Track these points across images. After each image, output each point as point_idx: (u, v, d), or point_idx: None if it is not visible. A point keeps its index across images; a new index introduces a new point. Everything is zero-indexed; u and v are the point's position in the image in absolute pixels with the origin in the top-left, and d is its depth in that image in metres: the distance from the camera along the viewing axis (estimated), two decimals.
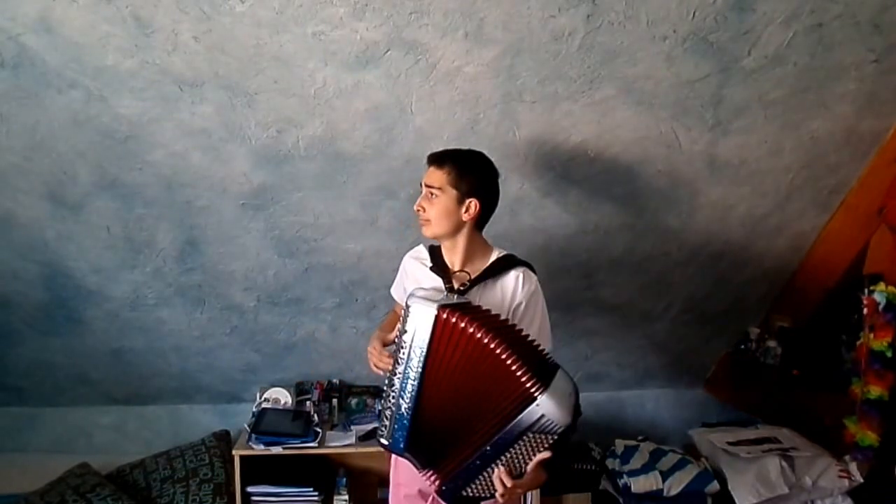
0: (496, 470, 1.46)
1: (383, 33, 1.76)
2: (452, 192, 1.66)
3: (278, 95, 1.90)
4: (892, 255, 2.39)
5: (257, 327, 2.71)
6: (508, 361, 1.42)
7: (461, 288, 1.68)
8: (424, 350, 1.50)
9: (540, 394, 1.40)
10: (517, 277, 1.71)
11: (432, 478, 1.54)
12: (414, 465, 1.59)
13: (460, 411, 1.50)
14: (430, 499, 1.71)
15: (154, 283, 2.47)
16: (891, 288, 2.34)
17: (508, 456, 1.46)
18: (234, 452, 2.66)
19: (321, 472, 2.82)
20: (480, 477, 1.50)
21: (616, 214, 2.40)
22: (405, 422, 1.53)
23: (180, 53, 1.76)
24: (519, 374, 1.41)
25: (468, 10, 1.73)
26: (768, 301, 2.98)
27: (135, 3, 1.65)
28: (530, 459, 1.44)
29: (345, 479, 2.85)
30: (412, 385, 1.51)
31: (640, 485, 2.72)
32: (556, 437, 1.42)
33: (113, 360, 2.76)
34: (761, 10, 1.80)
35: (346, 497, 2.78)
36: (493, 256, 1.75)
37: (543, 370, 1.48)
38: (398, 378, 1.54)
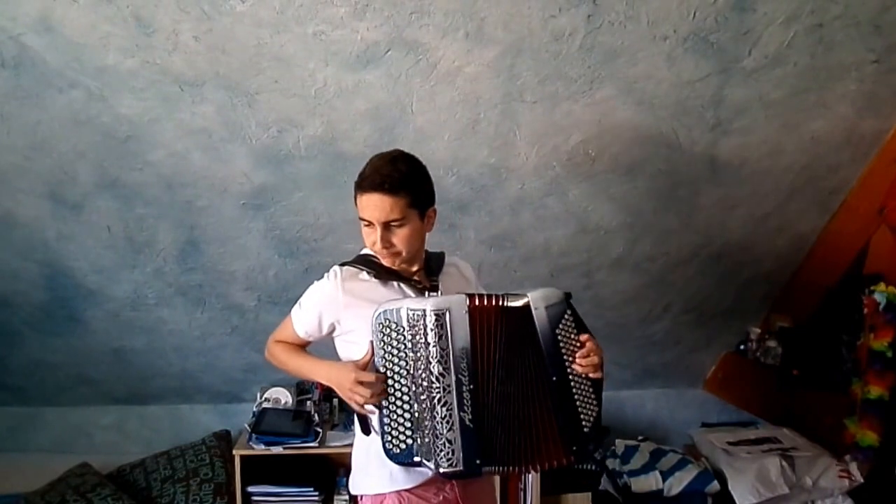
0: (574, 368, 1.50)
1: (384, 33, 1.76)
2: (414, 213, 1.46)
3: (279, 95, 1.90)
4: (892, 255, 2.39)
5: (258, 327, 2.70)
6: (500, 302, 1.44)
7: (433, 284, 1.55)
8: (468, 347, 1.40)
9: (522, 300, 1.44)
10: (459, 261, 1.72)
11: (546, 462, 1.48)
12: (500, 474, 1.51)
13: (517, 389, 1.46)
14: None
15: (154, 282, 2.46)
16: (891, 288, 2.33)
17: (566, 363, 1.49)
18: (234, 452, 2.65)
19: (322, 472, 2.81)
20: (578, 399, 1.52)
21: (616, 214, 2.40)
22: (471, 434, 1.39)
23: (181, 53, 1.76)
24: (495, 302, 1.44)
25: (469, 10, 1.73)
26: (768, 301, 2.97)
27: (135, 3, 1.65)
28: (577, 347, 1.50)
29: (345, 479, 2.82)
30: (466, 391, 1.39)
31: (640, 485, 2.72)
32: (571, 312, 1.50)
33: (113, 360, 2.76)
34: (761, 10, 1.80)
35: (347, 497, 2.77)
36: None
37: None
38: (441, 392, 1.38)
